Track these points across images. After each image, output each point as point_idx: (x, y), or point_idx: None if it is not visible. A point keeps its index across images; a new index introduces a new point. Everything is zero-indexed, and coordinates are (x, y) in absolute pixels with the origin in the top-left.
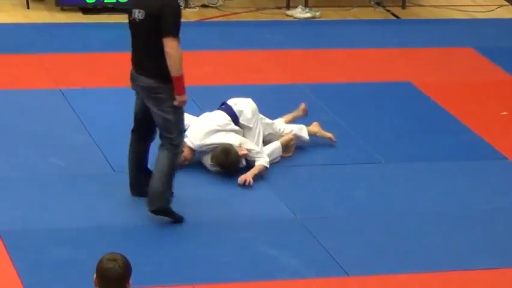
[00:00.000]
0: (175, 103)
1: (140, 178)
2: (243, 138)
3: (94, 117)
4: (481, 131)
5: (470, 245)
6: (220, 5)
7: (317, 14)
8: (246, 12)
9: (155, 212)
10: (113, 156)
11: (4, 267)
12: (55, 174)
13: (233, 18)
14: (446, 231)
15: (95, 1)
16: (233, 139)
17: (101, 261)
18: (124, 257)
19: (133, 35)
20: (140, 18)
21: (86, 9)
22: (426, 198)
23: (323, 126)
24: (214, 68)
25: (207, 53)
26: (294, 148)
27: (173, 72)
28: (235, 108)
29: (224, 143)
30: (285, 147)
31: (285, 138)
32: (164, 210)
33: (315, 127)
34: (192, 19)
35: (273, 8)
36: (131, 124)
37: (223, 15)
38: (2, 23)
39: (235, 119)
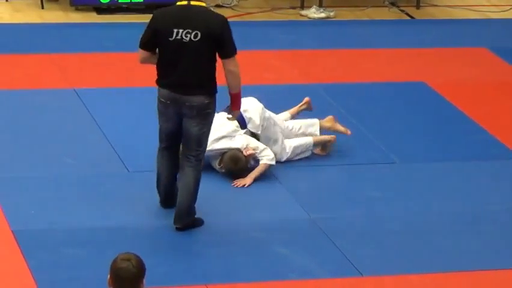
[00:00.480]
0: (230, 117)
1: (173, 191)
2: (248, 138)
3: (108, 117)
4: (496, 131)
5: (485, 245)
6: (234, 5)
7: (331, 14)
8: (260, 12)
9: (181, 229)
10: (128, 156)
11: (18, 266)
12: (69, 174)
13: (247, 18)
14: (461, 231)
15: (109, 1)
16: (240, 142)
17: (115, 261)
18: (138, 257)
19: (175, 56)
20: (193, 39)
21: (100, 9)
22: (441, 198)
23: None
24: None
25: None
26: (331, 147)
27: (235, 89)
28: (245, 115)
29: (232, 149)
30: (323, 145)
31: (324, 137)
32: (191, 225)
33: (329, 121)
34: None
35: (287, 8)
36: (145, 124)
37: (237, 15)
38: (17, 23)
39: (243, 124)
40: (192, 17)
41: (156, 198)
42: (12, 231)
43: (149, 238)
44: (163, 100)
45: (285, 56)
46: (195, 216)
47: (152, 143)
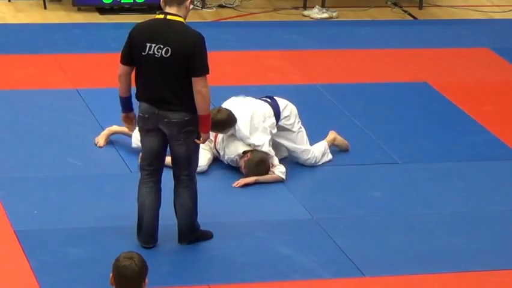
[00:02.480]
0: (200, 141)
1: (156, 227)
2: (271, 151)
3: (111, 117)
4: (498, 132)
5: (487, 246)
6: (237, 6)
7: (334, 14)
8: (262, 12)
9: (186, 243)
10: (130, 156)
11: (20, 266)
12: (72, 174)
13: (250, 18)
14: (463, 231)
15: (112, 1)
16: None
17: (117, 260)
18: (140, 256)
19: (149, 71)
20: (164, 55)
21: (103, 10)
22: (443, 198)
23: (340, 126)
24: (230, 68)
25: (223, 53)
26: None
27: (204, 110)
28: (282, 113)
29: (261, 154)
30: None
31: (330, 137)
32: (197, 240)
33: (331, 135)
34: (209, 19)
35: (290, 9)
36: None
37: (240, 16)
38: (20, 23)
39: (277, 113)
40: (165, 32)
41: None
42: (14, 231)
43: None
44: (141, 114)
45: (287, 57)
46: (201, 229)
47: None
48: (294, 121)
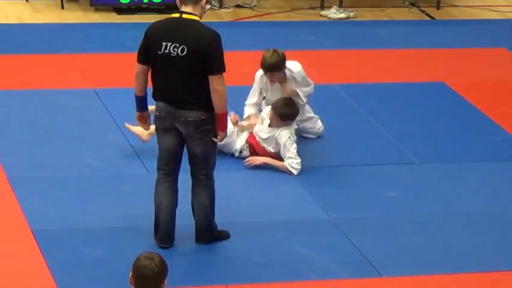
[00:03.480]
0: (217, 139)
1: (173, 226)
2: (288, 142)
3: (128, 117)
4: None
5: (505, 246)
6: (254, 5)
7: (351, 14)
8: (280, 12)
9: (203, 243)
10: (147, 156)
11: (38, 266)
12: (89, 174)
13: (267, 18)
14: (481, 232)
15: (129, 1)
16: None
17: (138, 260)
18: (161, 257)
19: (165, 70)
20: (180, 54)
21: (120, 9)
22: (461, 198)
23: (357, 126)
24: (248, 69)
25: (240, 53)
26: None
27: (221, 108)
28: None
29: (292, 99)
30: None
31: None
32: (215, 240)
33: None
34: (226, 19)
35: (307, 9)
36: None
37: (257, 16)
38: (37, 23)
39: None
40: (181, 31)
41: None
42: (32, 231)
43: None
44: (158, 113)
45: (304, 57)
46: (218, 229)
47: None
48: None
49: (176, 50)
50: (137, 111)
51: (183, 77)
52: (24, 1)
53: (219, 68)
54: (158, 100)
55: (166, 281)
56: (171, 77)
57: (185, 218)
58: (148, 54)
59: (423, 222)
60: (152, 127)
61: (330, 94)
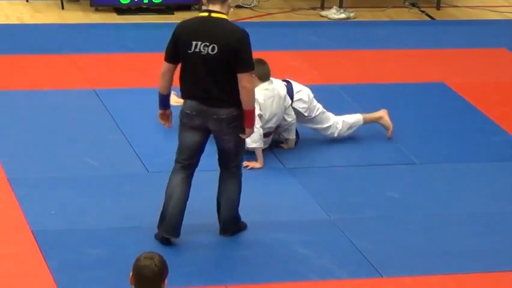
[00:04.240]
0: (245, 135)
1: (180, 219)
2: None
3: (128, 117)
4: None
5: (505, 246)
6: (254, 6)
7: (352, 14)
8: (280, 13)
9: (228, 235)
10: (147, 156)
11: (38, 266)
12: (89, 174)
13: (267, 18)
14: (481, 232)
15: (130, 1)
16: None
17: (138, 260)
18: (161, 257)
19: (195, 68)
20: (210, 52)
21: (121, 10)
22: (461, 199)
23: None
24: None
25: None
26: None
27: (249, 105)
28: (295, 96)
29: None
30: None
31: (373, 115)
32: (237, 231)
33: (381, 114)
34: None
35: (307, 9)
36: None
37: (257, 16)
38: (37, 24)
39: (290, 95)
40: (210, 29)
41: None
42: (32, 231)
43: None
44: (188, 112)
45: (305, 57)
46: (241, 225)
47: (172, 143)
48: (309, 106)
49: (206, 48)
50: (160, 109)
51: (214, 75)
52: (25, 1)
53: (248, 66)
54: (189, 98)
55: (166, 281)
56: (202, 75)
57: (185, 219)
58: (177, 53)
59: (423, 223)
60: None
61: (330, 94)
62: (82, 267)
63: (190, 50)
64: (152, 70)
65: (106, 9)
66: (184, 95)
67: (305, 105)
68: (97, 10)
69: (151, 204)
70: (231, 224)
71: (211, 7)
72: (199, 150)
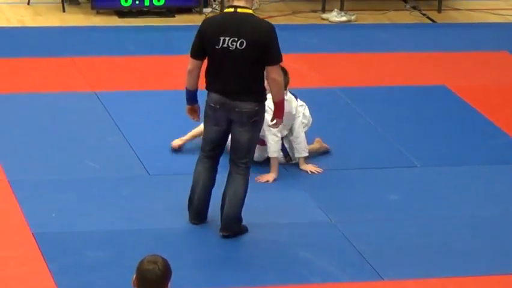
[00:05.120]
0: (273, 125)
1: (206, 206)
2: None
3: (129, 120)
4: None
5: (507, 249)
6: (255, 9)
7: (353, 17)
8: (281, 15)
9: (228, 236)
10: (148, 159)
11: (39, 269)
12: (90, 176)
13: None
14: (482, 235)
15: (131, 4)
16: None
17: (141, 263)
18: (164, 260)
19: (223, 63)
20: (239, 47)
21: (122, 13)
22: (462, 202)
23: (358, 129)
24: None
25: None
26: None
27: (278, 97)
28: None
29: None
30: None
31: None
32: (238, 232)
33: (317, 143)
34: None
35: (308, 12)
36: (166, 127)
37: None
38: (38, 26)
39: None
40: (238, 25)
41: (177, 201)
42: (33, 234)
43: (171, 241)
44: (212, 104)
45: (306, 60)
46: (242, 223)
47: None
48: (307, 123)
49: (234, 43)
50: (188, 104)
51: (239, 70)
52: (26, 4)
53: (277, 58)
54: (213, 92)
55: (169, 284)
56: (227, 70)
57: (185, 221)
58: (203, 49)
59: (424, 225)
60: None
61: (331, 97)
62: (83, 269)
63: (218, 45)
64: (153, 73)
65: (107, 12)
66: (208, 87)
67: (305, 121)
68: (98, 13)
69: (152, 207)
70: (232, 223)
71: (236, 2)
72: (222, 141)
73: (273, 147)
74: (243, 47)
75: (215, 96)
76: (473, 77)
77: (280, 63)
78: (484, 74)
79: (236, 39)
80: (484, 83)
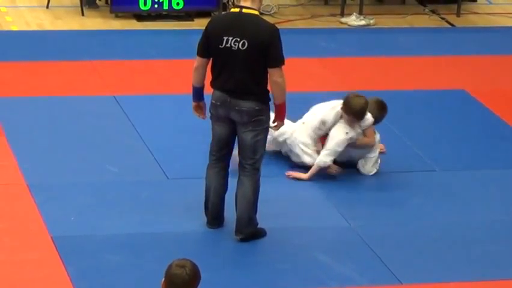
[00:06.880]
0: (274, 127)
1: (221, 210)
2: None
3: (148, 124)
4: None
5: None
6: (274, 13)
7: (371, 21)
8: (300, 19)
9: (245, 239)
10: (167, 163)
11: (57, 273)
12: (109, 180)
13: (288, 25)
14: (502, 239)
15: (150, 8)
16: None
17: (170, 266)
18: (193, 265)
19: (225, 62)
20: (241, 48)
21: (141, 16)
22: (482, 206)
23: (378, 133)
24: None
25: None
26: None
27: (280, 99)
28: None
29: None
30: None
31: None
32: (253, 235)
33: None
34: None
35: (327, 16)
36: (185, 131)
37: (277, 23)
38: (57, 30)
39: None
40: (241, 25)
41: (196, 204)
42: (51, 237)
43: (190, 245)
44: (213, 101)
45: (325, 64)
46: (257, 226)
47: (192, 150)
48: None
49: (237, 44)
50: (194, 101)
51: (242, 70)
52: (45, 8)
53: (279, 61)
54: (216, 89)
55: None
56: (230, 69)
57: (204, 226)
58: (208, 48)
59: (443, 230)
60: None
61: None
62: (101, 273)
63: (221, 45)
64: (172, 76)
65: (125, 16)
66: (212, 85)
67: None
68: (116, 17)
69: (171, 211)
70: (245, 225)
71: (242, 3)
72: (227, 141)
73: (326, 158)
74: (245, 47)
75: (217, 93)
76: (493, 81)
77: (283, 65)
78: (503, 78)
79: (239, 39)
80: (503, 87)
